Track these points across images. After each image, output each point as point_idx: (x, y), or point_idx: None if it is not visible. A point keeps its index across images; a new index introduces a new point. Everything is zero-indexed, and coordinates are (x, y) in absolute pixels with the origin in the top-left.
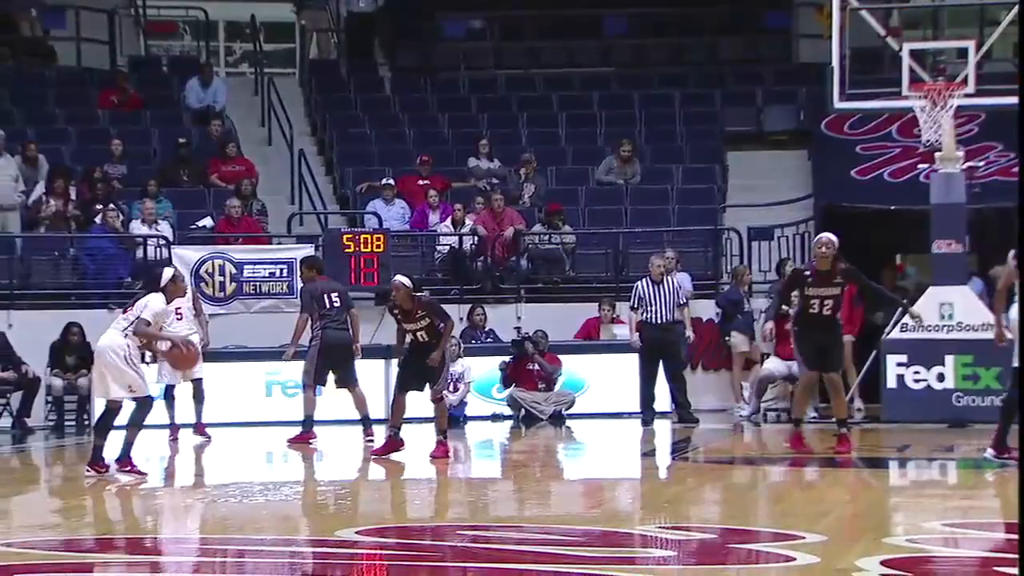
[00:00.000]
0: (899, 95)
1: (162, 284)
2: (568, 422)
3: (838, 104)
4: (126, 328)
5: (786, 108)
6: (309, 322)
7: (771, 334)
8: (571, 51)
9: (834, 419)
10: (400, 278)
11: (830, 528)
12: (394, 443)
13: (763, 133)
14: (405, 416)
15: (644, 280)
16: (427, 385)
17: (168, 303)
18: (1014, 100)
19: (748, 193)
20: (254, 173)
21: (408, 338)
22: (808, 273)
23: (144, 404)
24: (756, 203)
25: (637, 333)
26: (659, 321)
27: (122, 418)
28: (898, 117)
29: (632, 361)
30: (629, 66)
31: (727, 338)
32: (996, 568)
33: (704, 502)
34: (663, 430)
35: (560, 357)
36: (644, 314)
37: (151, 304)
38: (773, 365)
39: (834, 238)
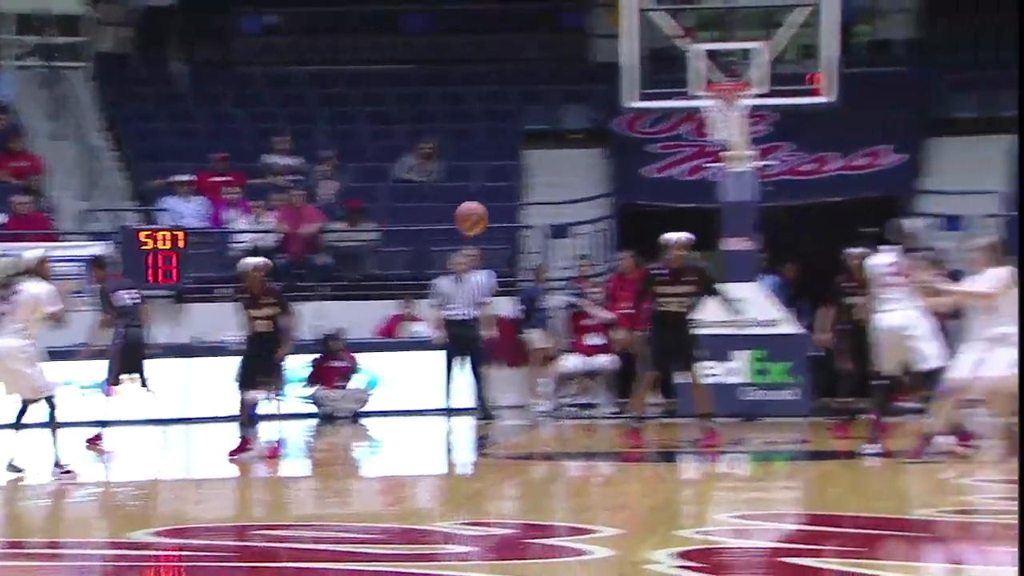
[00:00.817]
0: (691, 95)
1: (35, 267)
2: (368, 420)
3: (632, 103)
4: (20, 330)
5: (583, 107)
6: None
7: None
8: (370, 47)
9: (698, 414)
10: (250, 259)
11: (625, 522)
12: (246, 442)
13: (561, 131)
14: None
15: (446, 277)
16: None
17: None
18: (803, 100)
19: (547, 191)
20: (42, 168)
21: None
22: (664, 271)
23: (52, 402)
24: (555, 201)
25: (439, 331)
26: (461, 318)
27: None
28: (691, 117)
29: (431, 358)
30: (428, 63)
31: (525, 335)
32: (783, 559)
33: (503, 498)
34: (464, 427)
35: (358, 355)
36: (446, 311)
37: (38, 292)
38: (572, 361)
39: (689, 237)
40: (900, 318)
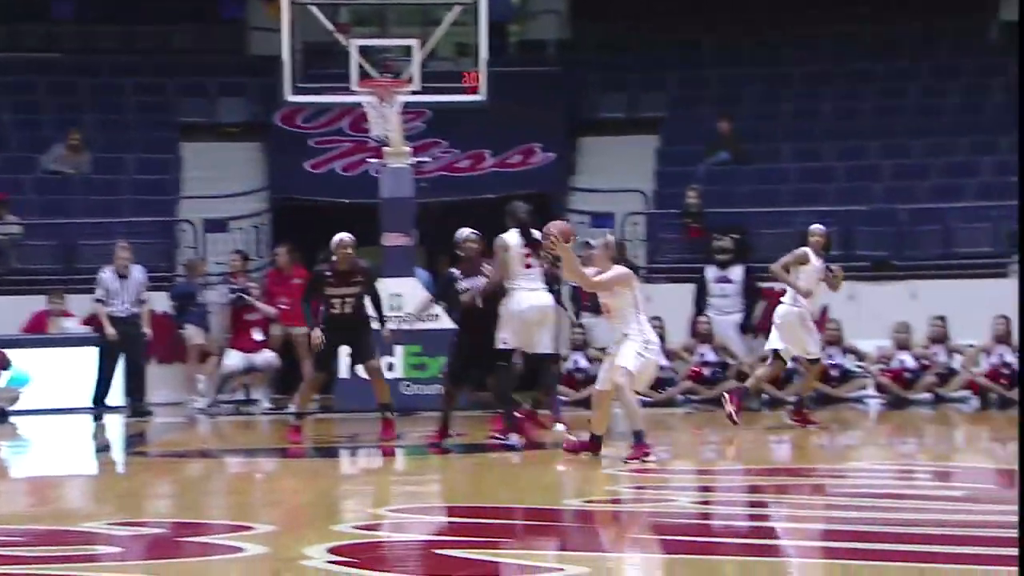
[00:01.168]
0: (349, 90)
1: None
2: (15, 418)
3: (290, 97)
4: None
5: (240, 100)
6: None
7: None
8: (15, 35)
9: (377, 404)
10: (344, 234)
11: (280, 518)
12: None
13: (217, 124)
14: None
15: (110, 271)
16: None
17: None
18: (457, 98)
19: (203, 184)
20: None
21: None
22: (328, 273)
23: None
24: (211, 195)
25: (107, 327)
26: (124, 314)
27: None
28: (349, 112)
29: (82, 355)
30: (77, 52)
31: (181, 330)
32: (436, 551)
33: (157, 496)
34: (116, 425)
35: (6, 352)
36: (109, 306)
37: None
38: (233, 358)
39: (351, 237)
40: (535, 299)
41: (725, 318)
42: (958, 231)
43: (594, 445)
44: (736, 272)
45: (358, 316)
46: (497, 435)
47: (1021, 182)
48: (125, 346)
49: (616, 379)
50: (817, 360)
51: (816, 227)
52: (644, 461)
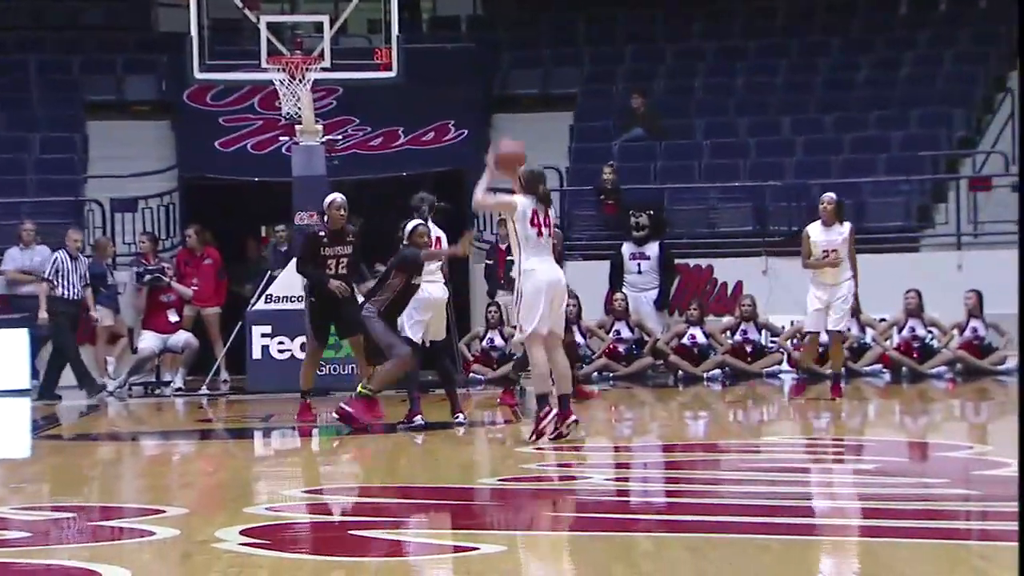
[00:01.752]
0: (259, 67)
1: None
2: None
3: (199, 75)
4: None
5: (148, 77)
6: None
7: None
8: None
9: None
10: (337, 195)
11: (192, 500)
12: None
13: (125, 102)
14: None
15: (63, 252)
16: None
17: None
18: (367, 75)
19: (111, 164)
20: None
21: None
22: (322, 233)
23: None
24: (119, 174)
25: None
26: (76, 297)
27: None
28: (260, 89)
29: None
30: None
31: (90, 312)
32: (350, 531)
33: (66, 481)
34: (23, 408)
35: None
36: (60, 288)
37: None
38: (149, 341)
39: (342, 198)
40: (440, 289)
41: (641, 294)
42: (870, 205)
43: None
44: (652, 248)
45: (350, 280)
46: (404, 420)
47: (1022, 180)
48: (71, 327)
49: (516, 339)
50: (838, 333)
51: (824, 195)
52: (543, 427)
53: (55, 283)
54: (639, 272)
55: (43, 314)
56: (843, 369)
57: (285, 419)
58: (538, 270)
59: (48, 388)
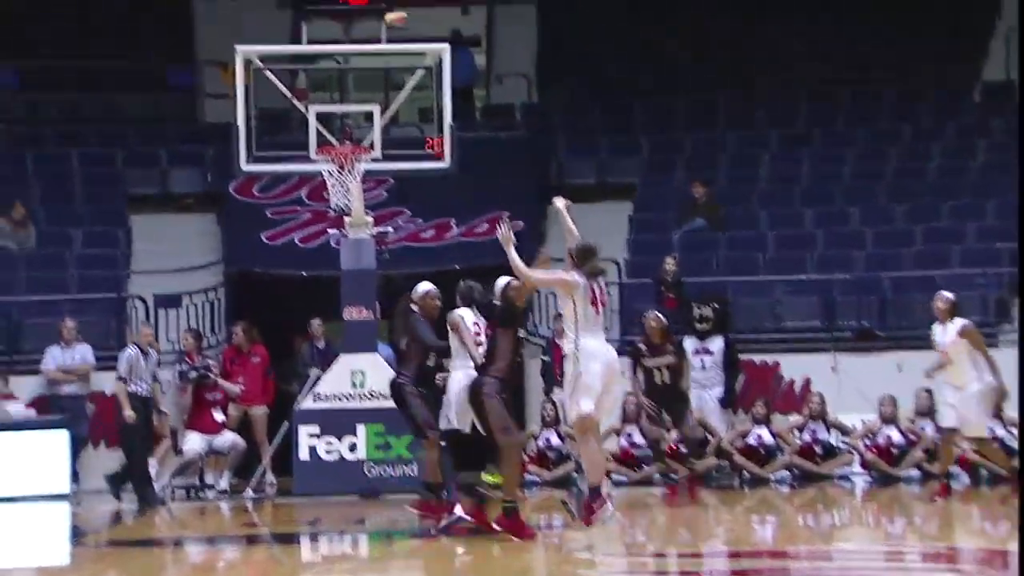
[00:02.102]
0: (307, 158)
1: None
2: None
3: (245, 167)
4: None
5: (193, 170)
6: None
7: None
8: None
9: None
10: (430, 285)
11: None
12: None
13: (169, 195)
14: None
15: (133, 347)
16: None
17: None
18: (420, 164)
19: (154, 258)
20: None
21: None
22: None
23: None
24: (163, 269)
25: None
26: (146, 394)
27: None
28: (308, 181)
29: (26, 439)
30: (21, 123)
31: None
32: None
33: None
34: (63, 513)
35: None
36: (133, 385)
37: None
38: (194, 442)
39: (436, 289)
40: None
41: (704, 391)
42: None
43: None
44: (716, 343)
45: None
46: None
47: (1021, 189)
48: (145, 427)
49: (570, 423)
50: (951, 431)
51: (938, 294)
52: (593, 517)
53: (128, 380)
54: (703, 368)
55: (128, 412)
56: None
57: (333, 523)
58: (598, 350)
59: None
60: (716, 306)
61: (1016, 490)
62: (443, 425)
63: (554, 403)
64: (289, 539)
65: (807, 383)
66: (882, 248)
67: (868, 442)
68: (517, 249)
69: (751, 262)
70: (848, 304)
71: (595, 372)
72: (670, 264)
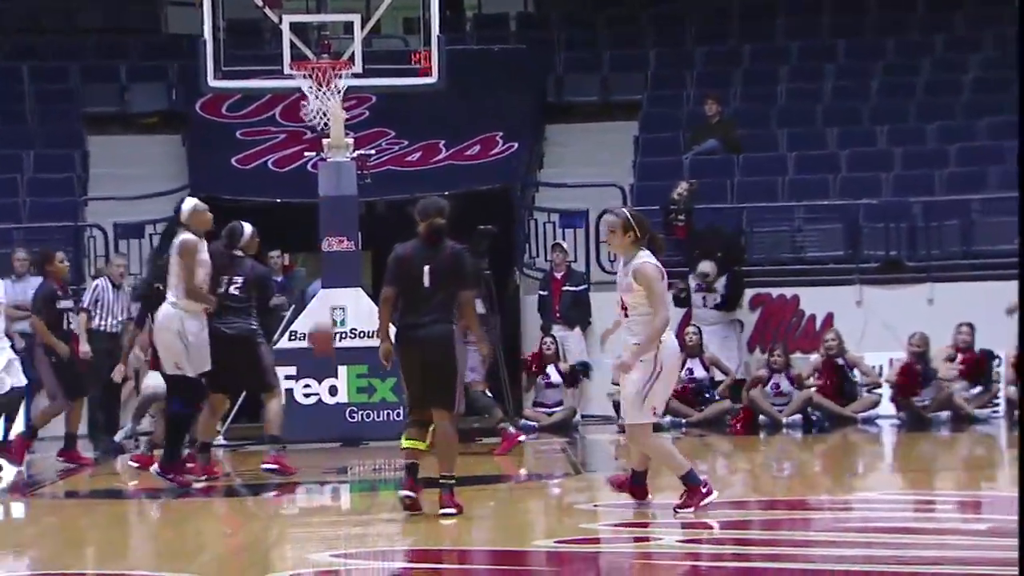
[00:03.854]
0: (281, 74)
1: None
2: None
3: (213, 83)
4: None
5: (155, 86)
6: None
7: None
8: None
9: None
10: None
11: (208, 567)
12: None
13: (130, 115)
14: None
15: (104, 279)
16: None
17: None
18: (404, 81)
19: (114, 184)
20: None
21: None
22: None
23: None
24: (123, 195)
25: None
26: (116, 330)
27: None
28: (282, 99)
29: None
30: None
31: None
32: None
33: (66, 544)
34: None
35: None
36: (97, 319)
37: None
38: (155, 381)
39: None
40: None
41: (712, 328)
42: (980, 226)
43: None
44: (720, 285)
45: None
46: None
47: (1021, 186)
48: (106, 365)
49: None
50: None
51: None
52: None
53: (93, 313)
54: (704, 305)
55: (85, 347)
56: None
57: (311, 473)
58: (669, 341)
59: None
60: (721, 255)
61: None
62: None
63: (554, 338)
64: (263, 490)
65: (829, 318)
66: (912, 170)
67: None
68: (511, 175)
69: (769, 188)
70: (875, 232)
71: (674, 369)
72: (682, 188)
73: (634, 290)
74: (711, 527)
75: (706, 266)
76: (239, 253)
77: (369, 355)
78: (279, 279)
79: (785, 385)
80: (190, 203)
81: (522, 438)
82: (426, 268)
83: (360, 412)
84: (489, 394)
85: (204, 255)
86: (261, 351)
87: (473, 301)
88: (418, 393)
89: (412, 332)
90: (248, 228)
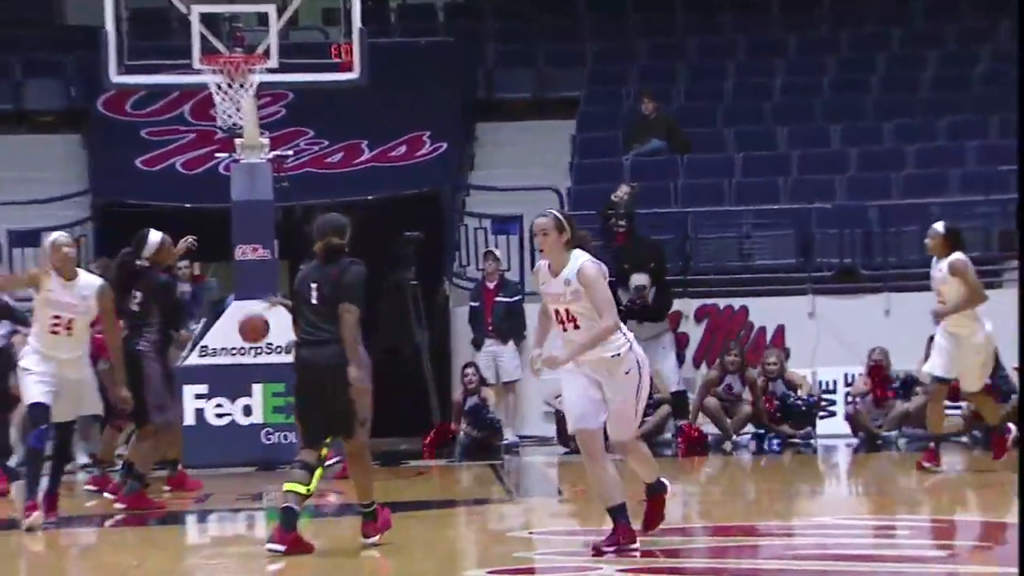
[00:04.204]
0: (190, 68)
1: None
2: None
3: (116, 78)
4: None
5: (53, 82)
6: None
7: None
8: None
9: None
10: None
11: None
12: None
13: (25, 113)
14: None
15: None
16: None
17: None
18: (325, 76)
19: (8, 188)
20: None
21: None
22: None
23: None
24: (17, 200)
25: None
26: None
27: None
28: (191, 96)
29: None
30: None
31: None
32: None
33: None
34: None
35: None
36: None
37: None
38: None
39: None
40: None
41: (644, 342)
42: None
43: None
44: (651, 293)
45: None
46: None
47: (1021, 183)
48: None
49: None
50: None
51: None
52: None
53: None
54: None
55: None
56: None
57: (224, 499)
58: (640, 352)
59: None
60: (653, 266)
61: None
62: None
63: (475, 367)
64: (172, 519)
65: (780, 330)
66: (868, 172)
67: (853, 399)
68: (439, 178)
69: (715, 190)
70: (828, 238)
71: (647, 382)
72: (622, 192)
73: (581, 298)
74: (655, 555)
75: (640, 279)
76: (145, 264)
77: (287, 372)
78: (187, 290)
79: (737, 386)
80: (157, 236)
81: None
82: (313, 285)
83: (277, 433)
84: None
85: (53, 293)
86: (145, 376)
87: (353, 318)
88: (308, 425)
89: (300, 352)
90: (155, 236)
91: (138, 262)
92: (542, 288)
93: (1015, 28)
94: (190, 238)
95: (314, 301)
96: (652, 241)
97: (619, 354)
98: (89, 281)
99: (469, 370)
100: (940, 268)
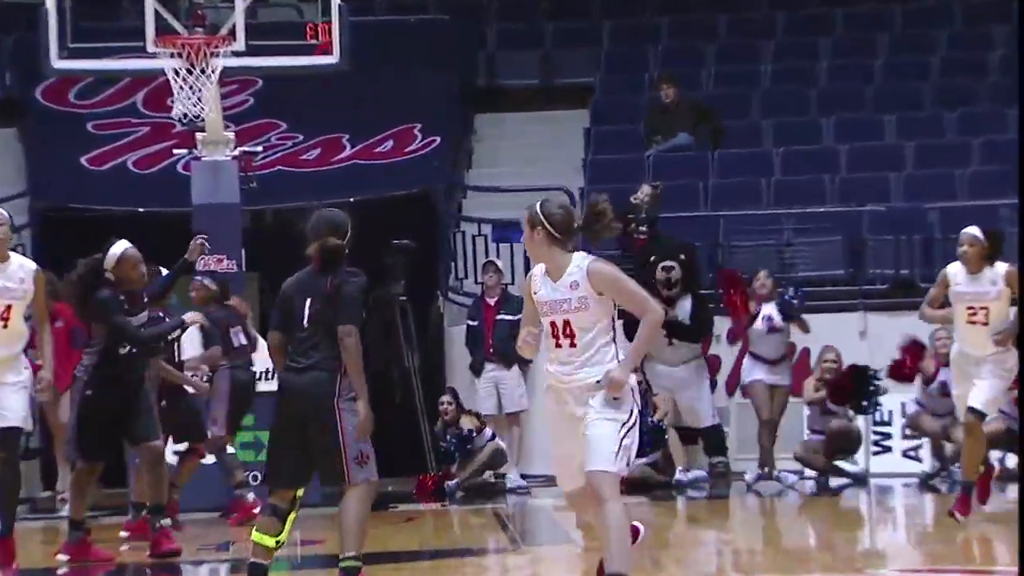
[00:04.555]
0: (144, 51)
1: None
2: None
3: (57, 63)
4: None
5: None
6: None
7: None
8: None
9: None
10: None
11: None
12: None
13: None
14: None
15: None
16: None
17: None
18: (299, 60)
19: None
20: None
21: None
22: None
23: None
24: None
25: None
26: None
27: None
28: (145, 83)
29: None
30: None
31: None
32: None
33: None
34: None
35: None
36: None
37: None
38: None
39: None
40: None
41: (676, 370)
42: (1010, 236)
43: None
44: (684, 306)
45: None
46: None
47: (1021, 183)
48: None
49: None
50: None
51: (963, 232)
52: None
53: None
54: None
55: None
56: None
57: (185, 549)
58: (632, 381)
59: None
60: (684, 258)
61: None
62: None
63: (454, 394)
64: (121, 573)
65: (827, 351)
66: (927, 169)
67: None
68: (432, 177)
69: (751, 190)
70: (882, 246)
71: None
72: (643, 192)
73: (588, 307)
74: None
75: (674, 271)
76: (109, 277)
77: (257, 403)
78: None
79: (777, 318)
80: (118, 248)
81: (257, 509)
82: (307, 301)
83: (245, 473)
84: (232, 451)
85: None
86: (71, 402)
87: (354, 343)
88: (282, 464)
89: (283, 379)
90: (116, 248)
91: (99, 276)
92: (537, 296)
93: None
94: (201, 237)
95: (305, 322)
96: (681, 241)
97: (601, 379)
98: (23, 263)
99: (446, 397)
100: (993, 280)
